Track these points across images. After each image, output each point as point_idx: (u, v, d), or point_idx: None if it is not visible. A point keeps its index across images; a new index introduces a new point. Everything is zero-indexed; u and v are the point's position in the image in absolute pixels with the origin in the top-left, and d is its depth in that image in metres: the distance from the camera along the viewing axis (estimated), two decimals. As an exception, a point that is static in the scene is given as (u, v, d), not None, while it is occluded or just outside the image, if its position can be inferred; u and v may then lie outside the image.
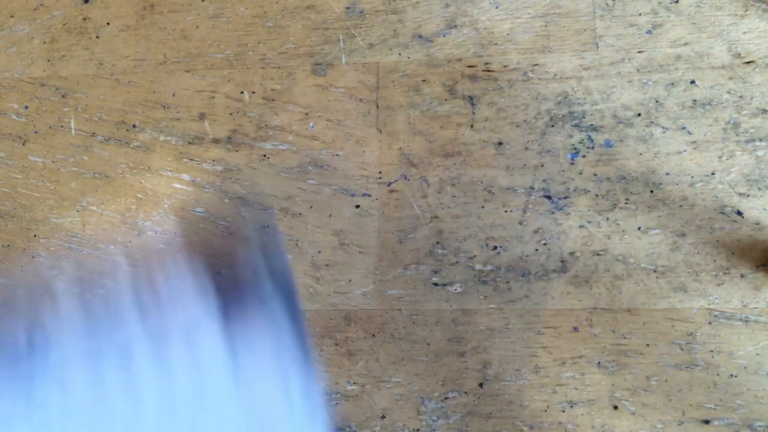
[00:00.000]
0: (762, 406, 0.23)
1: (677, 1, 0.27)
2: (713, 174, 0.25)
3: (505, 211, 0.27)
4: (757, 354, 0.24)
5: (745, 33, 0.27)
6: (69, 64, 0.30)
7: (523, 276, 0.25)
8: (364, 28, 0.28)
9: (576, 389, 0.24)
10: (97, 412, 0.16)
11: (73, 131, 0.30)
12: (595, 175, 0.26)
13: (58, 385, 0.16)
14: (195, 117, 0.28)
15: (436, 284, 0.27)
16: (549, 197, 0.25)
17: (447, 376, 0.26)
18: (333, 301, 0.28)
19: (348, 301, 0.28)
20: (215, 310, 0.16)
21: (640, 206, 0.25)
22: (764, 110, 0.26)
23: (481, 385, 0.26)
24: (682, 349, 0.24)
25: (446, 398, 0.26)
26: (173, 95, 0.29)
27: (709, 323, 0.24)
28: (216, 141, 0.29)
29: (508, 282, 0.26)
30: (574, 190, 0.26)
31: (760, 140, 0.26)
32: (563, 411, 0.24)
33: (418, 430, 0.26)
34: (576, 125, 0.26)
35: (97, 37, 0.30)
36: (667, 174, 0.26)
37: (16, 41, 0.31)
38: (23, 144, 0.31)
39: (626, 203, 0.25)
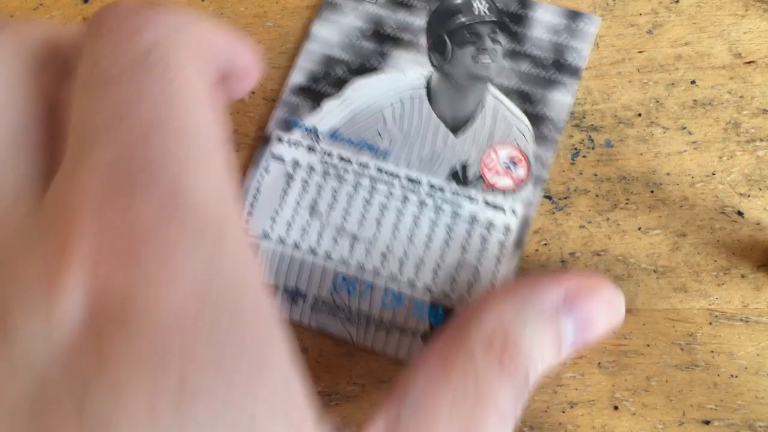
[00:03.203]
0: (763, 406, 0.23)
1: (677, 1, 0.27)
2: (714, 174, 0.25)
3: (505, 212, 0.27)
4: (758, 354, 0.23)
5: (745, 33, 0.27)
6: (69, 64, 0.30)
7: (523, 276, 0.25)
8: (364, 28, 0.28)
9: (576, 390, 0.24)
10: None
11: (73, 131, 0.30)
12: (596, 175, 0.26)
13: None
14: (195, 117, 0.28)
15: (436, 284, 0.27)
16: (549, 197, 0.25)
17: (447, 376, 0.26)
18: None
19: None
20: None
21: (640, 206, 0.25)
22: (765, 110, 0.26)
23: (481, 385, 0.25)
24: (682, 350, 0.24)
25: (446, 399, 0.26)
26: (173, 95, 0.29)
27: (710, 323, 0.24)
28: (216, 141, 0.29)
29: (508, 282, 0.26)
30: (575, 191, 0.26)
31: (761, 140, 0.25)
32: (563, 411, 0.24)
33: (418, 430, 0.26)
34: (576, 125, 0.26)
35: (97, 37, 0.30)
36: (668, 174, 0.25)
37: (16, 41, 0.31)
38: (23, 144, 0.31)
39: (626, 203, 0.25)
